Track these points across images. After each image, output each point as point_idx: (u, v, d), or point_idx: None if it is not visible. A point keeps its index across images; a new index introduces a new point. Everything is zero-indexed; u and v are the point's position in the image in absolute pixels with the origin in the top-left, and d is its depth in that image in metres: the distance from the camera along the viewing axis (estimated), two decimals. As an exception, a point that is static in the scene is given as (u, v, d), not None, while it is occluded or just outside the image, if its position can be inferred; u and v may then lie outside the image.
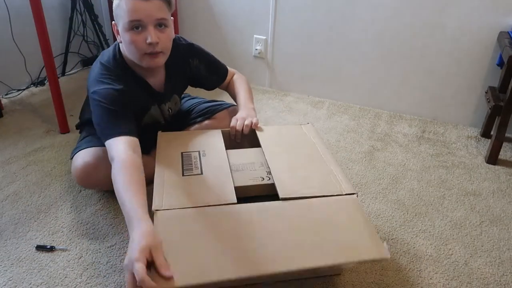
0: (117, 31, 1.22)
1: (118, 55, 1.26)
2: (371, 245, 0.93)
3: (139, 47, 1.17)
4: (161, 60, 1.23)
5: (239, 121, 1.32)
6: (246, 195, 1.10)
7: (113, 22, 1.22)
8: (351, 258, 0.91)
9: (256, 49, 2.31)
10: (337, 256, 0.91)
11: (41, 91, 2.23)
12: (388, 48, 2.04)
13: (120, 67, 1.26)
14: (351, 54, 2.13)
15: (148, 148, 1.38)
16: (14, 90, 2.17)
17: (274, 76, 2.36)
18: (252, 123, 1.31)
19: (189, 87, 1.52)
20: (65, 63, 2.40)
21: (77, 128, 1.54)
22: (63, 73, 2.41)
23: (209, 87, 1.53)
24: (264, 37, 2.27)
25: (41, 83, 2.27)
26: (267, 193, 1.10)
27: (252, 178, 1.12)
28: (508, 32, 1.76)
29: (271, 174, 1.12)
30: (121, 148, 1.08)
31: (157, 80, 1.34)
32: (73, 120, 1.87)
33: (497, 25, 1.80)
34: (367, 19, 2.02)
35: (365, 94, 2.18)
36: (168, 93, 1.40)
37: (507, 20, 1.78)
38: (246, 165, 1.17)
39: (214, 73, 1.49)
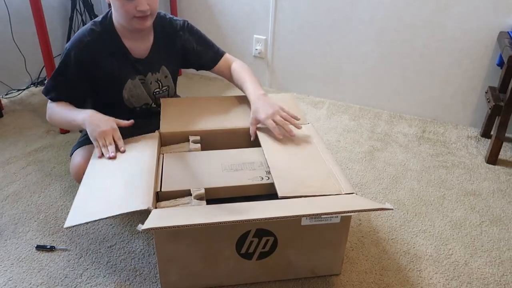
0: None
1: (107, 20, 1.29)
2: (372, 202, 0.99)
3: (129, 12, 1.20)
4: (149, 22, 1.26)
5: (275, 122, 1.25)
6: (245, 194, 1.10)
7: None
8: (354, 208, 0.93)
9: (256, 49, 2.31)
10: (339, 207, 0.94)
11: (41, 91, 2.23)
12: (388, 48, 2.04)
13: (106, 26, 1.28)
14: (351, 54, 2.12)
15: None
16: (14, 90, 2.17)
17: (274, 76, 2.36)
18: (287, 117, 1.26)
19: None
20: (65, 63, 2.39)
21: (80, 131, 1.54)
22: (63, 73, 2.41)
23: (204, 66, 1.46)
24: (264, 37, 2.27)
25: (41, 83, 2.27)
26: (266, 192, 1.10)
27: (251, 177, 1.12)
28: (508, 32, 1.76)
29: (270, 173, 1.12)
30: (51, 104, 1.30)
31: (142, 47, 1.34)
32: (73, 120, 1.87)
33: (497, 25, 1.80)
34: (367, 19, 2.01)
35: (365, 94, 2.18)
36: (155, 62, 1.37)
37: (507, 20, 1.78)
38: (246, 165, 1.17)
39: (208, 49, 1.44)
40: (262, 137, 1.27)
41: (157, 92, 1.41)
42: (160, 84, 1.41)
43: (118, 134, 1.20)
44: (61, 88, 1.28)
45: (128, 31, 1.28)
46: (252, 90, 1.33)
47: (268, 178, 1.12)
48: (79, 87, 1.30)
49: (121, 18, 1.24)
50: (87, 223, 1.01)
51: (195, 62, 1.46)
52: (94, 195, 1.02)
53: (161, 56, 1.38)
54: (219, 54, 1.45)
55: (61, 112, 1.28)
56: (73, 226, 0.95)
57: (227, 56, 1.47)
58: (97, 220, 0.95)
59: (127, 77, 1.33)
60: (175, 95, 1.52)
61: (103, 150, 1.16)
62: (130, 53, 1.31)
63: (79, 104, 1.30)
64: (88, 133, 1.19)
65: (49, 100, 1.30)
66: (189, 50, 1.42)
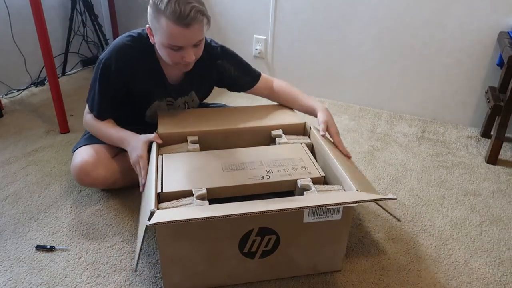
0: (151, 33, 1.20)
1: (146, 41, 1.26)
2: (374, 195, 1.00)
3: (175, 60, 1.20)
4: (192, 64, 1.26)
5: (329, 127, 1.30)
6: (246, 193, 1.10)
7: (147, 26, 1.20)
8: (358, 199, 0.94)
9: (256, 49, 2.32)
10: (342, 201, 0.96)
11: (41, 91, 2.23)
12: (388, 48, 2.04)
13: (145, 49, 1.27)
14: (351, 54, 2.13)
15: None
16: (14, 90, 2.17)
17: (274, 76, 2.35)
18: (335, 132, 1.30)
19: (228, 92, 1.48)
20: (65, 63, 2.40)
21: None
22: (63, 73, 2.41)
23: (241, 89, 1.47)
24: (264, 37, 2.27)
25: (41, 83, 2.27)
26: (267, 191, 1.11)
27: (252, 177, 1.12)
28: (508, 32, 1.76)
29: (271, 172, 1.12)
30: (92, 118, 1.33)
31: (177, 73, 1.34)
32: (73, 120, 1.87)
33: (497, 25, 1.80)
34: (367, 19, 2.02)
35: (365, 94, 2.18)
36: (187, 88, 1.39)
37: (507, 20, 1.78)
38: (246, 164, 1.17)
39: (246, 74, 1.45)
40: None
41: (185, 106, 1.45)
42: (187, 106, 1.44)
43: (144, 162, 1.19)
44: (106, 104, 1.29)
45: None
46: (315, 101, 1.40)
47: (269, 177, 1.12)
48: (119, 97, 1.31)
49: (164, 59, 1.23)
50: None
51: (231, 86, 1.47)
52: None
53: (194, 83, 1.39)
54: (256, 77, 1.46)
55: (101, 128, 1.31)
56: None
57: (263, 77, 1.48)
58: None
59: (156, 99, 1.35)
60: None
61: (140, 177, 1.18)
62: (166, 77, 1.32)
63: (118, 111, 1.34)
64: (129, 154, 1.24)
65: (86, 114, 1.34)
66: (225, 76, 1.42)
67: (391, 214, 1.05)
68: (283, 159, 1.20)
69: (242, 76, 1.44)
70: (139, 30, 1.29)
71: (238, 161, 1.19)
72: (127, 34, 1.28)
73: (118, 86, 1.27)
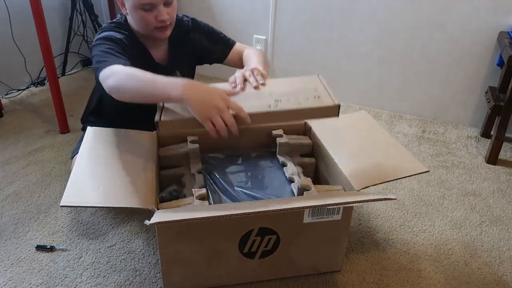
0: (122, 3, 1.22)
1: (123, 23, 1.28)
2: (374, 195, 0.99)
3: (150, 24, 1.21)
4: (169, 31, 1.27)
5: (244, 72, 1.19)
6: (252, 124, 1.03)
7: None
8: (358, 199, 0.93)
9: (256, 49, 2.31)
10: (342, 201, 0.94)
11: (41, 91, 2.23)
12: (388, 48, 2.04)
13: (127, 31, 1.27)
14: (351, 54, 2.12)
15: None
16: (14, 90, 2.17)
17: (274, 76, 2.36)
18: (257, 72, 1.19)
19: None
20: (65, 63, 2.40)
21: (82, 130, 1.54)
22: (63, 73, 2.41)
23: (216, 60, 1.43)
24: (264, 37, 2.27)
25: (41, 83, 2.27)
26: (273, 122, 1.03)
27: (259, 106, 1.02)
28: (508, 32, 1.76)
29: (280, 101, 1.03)
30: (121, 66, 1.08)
31: (160, 52, 1.34)
32: (73, 120, 1.87)
33: (497, 25, 1.80)
34: (367, 19, 2.02)
35: (365, 94, 2.18)
36: (171, 67, 1.38)
37: (507, 20, 1.78)
38: (252, 94, 1.08)
39: (217, 43, 1.41)
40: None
41: None
42: None
43: (232, 105, 1.02)
44: (120, 57, 1.13)
45: (148, 40, 1.29)
46: (258, 63, 1.28)
47: (277, 105, 1.03)
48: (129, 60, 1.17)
49: (141, 29, 1.25)
50: (85, 207, 0.99)
51: (207, 58, 1.45)
52: (92, 181, 0.99)
53: (176, 60, 1.39)
54: (228, 46, 1.42)
55: (140, 76, 1.03)
56: (69, 207, 0.94)
57: (237, 45, 1.43)
58: (96, 207, 0.94)
59: None
60: None
61: (221, 132, 0.99)
62: (153, 58, 1.32)
63: None
64: (195, 113, 1.00)
65: (107, 68, 1.08)
66: (199, 49, 1.41)
67: (385, 199, 1.01)
68: (295, 89, 1.11)
69: (214, 46, 1.41)
70: (113, 20, 1.30)
71: (244, 93, 1.10)
72: (106, 24, 1.29)
73: (123, 49, 1.19)
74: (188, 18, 1.41)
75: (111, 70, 1.07)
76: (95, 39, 1.24)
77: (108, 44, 1.17)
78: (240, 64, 1.41)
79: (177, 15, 1.36)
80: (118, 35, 1.22)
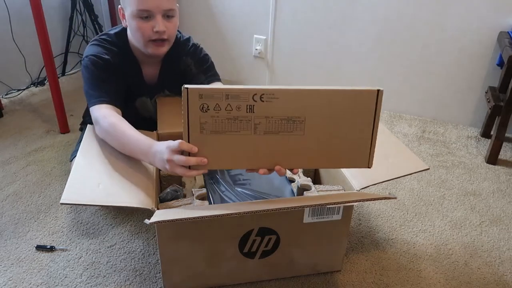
0: (123, 15, 1.22)
1: (123, 34, 1.28)
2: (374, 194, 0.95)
3: (145, 34, 1.19)
4: (166, 48, 1.25)
5: None
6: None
7: (119, 6, 1.23)
8: (358, 198, 0.93)
9: (256, 49, 2.31)
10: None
11: (41, 91, 2.23)
12: (388, 48, 2.04)
13: (121, 42, 1.27)
14: (351, 54, 2.13)
15: None
16: (14, 90, 2.17)
17: (274, 76, 2.36)
18: None
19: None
20: (65, 63, 2.40)
21: (80, 130, 1.54)
22: (63, 73, 2.41)
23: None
24: (264, 37, 2.27)
25: (41, 83, 2.27)
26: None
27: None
28: (508, 32, 1.76)
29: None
30: (104, 112, 1.13)
31: (151, 71, 1.34)
32: (73, 120, 1.87)
33: (497, 25, 1.80)
34: (367, 19, 2.02)
35: (365, 94, 2.18)
36: (161, 86, 1.39)
37: (507, 20, 1.78)
38: None
39: (204, 72, 1.36)
40: None
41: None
42: None
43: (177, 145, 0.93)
44: (104, 89, 1.18)
45: (143, 54, 1.27)
46: None
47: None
48: (115, 84, 1.22)
49: (137, 41, 1.23)
50: (85, 205, 0.99)
51: (187, 83, 1.42)
52: (91, 179, 0.99)
53: (166, 80, 1.38)
54: (212, 80, 1.36)
55: (117, 136, 1.09)
56: (70, 204, 0.93)
57: (220, 84, 1.36)
58: (96, 206, 0.94)
59: (139, 96, 1.37)
60: None
61: (188, 173, 0.93)
62: (143, 77, 1.33)
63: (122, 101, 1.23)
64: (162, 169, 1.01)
65: (97, 108, 1.15)
66: (187, 73, 1.38)
67: (385, 198, 1.00)
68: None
69: (199, 74, 1.37)
70: (108, 31, 1.29)
71: None
72: (98, 35, 1.29)
73: (114, 75, 1.23)
74: (188, 41, 1.36)
75: (95, 117, 1.15)
76: (84, 54, 1.24)
77: (93, 70, 1.20)
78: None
79: (177, 35, 1.32)
80: (106, 56, 1.22)
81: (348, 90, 0.88)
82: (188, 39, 1.37)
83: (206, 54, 1.39)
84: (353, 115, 0.89)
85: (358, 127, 0.91)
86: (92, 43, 1.26)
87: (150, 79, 1.36)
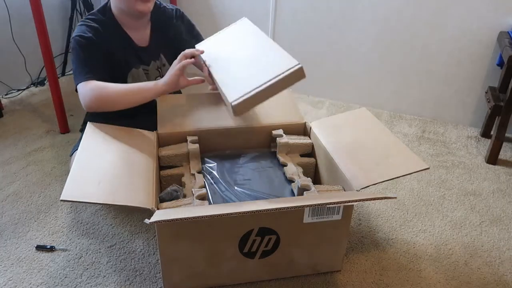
0: None
1: (107, 8, 1.31)
2: (374, 194, 0.94)
3: None
4: (151, 4, 1.28)
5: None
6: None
7: None
8: (358, 198, 0.94)
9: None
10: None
11: (41, 91, 2.23)
12: (388, 48, 2.04)
13: (105, 16, 1.30)
14: (351, 54, 2.12)
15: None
16: (14, 90, 2.17)
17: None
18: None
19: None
20: (65, 63, 2.40)
21: (81, 131, 1.53)
22: (63, 73, 2.41)
23: None
24: (264, 37, 2.27)
25: (41, 83, 2.27)
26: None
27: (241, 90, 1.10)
28: (508, 32, 1.76)
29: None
30: (91, 85, 1.20)
31: (141, 36, 1.36)
32: (73, 120, 1.87)
33: (497, 25, 1.80)
34: (367, 19, 2.02)
35: (365, 94, 2.18)
36: (154, 49, 1.39)
37: (507, 20, 1.78)
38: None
39: (194, 38, 1.44)
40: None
41: (159, 73, 1.43)
42: (160, 72, 1.43)
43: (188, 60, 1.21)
44: (97, 66, 1.24)
45: (129, 19, 1.31)
46: None
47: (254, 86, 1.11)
48: (102, 63, 1.27)
49: (122, 3, 1.26)
50: (85, 203, 0.99)
51: (180, 50, 1.39)
52: (92, 177, 1.00)
53: (160, 44, 1.40)
54: (197, 42, 1.43)
55: (113, 87, 1.20)
56: (70, 201, 0.93)
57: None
58: (96, 204, 0.95)
59: (132, 66, 1.35)
60: None
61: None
62: (133, 41, 1.34)
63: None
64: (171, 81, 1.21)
65: (83, 84, 1.20)
66: (178, 38, 1.44)
67: (385, 198, 1.02)
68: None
69: (191, 39, 1.44)
70: (93, 11, 1.33)
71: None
72: (84, 18, 1.32)
73: (98, 52, 1.26)
74: (172, 7, 1.44)
75: (82, 93, 1.21)
76: (72, 35, 1.28)
77: (78, 50, 1.23)
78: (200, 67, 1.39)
79: (161, 3, 1.41)
80: (88, 34, 1.24)
81: None
82: (167, 5, 1.42)
83: (188, 18, 1.48)
84: None
85: None
86: (78, 24, 1.29)
87: (141, 42, 1.37)
